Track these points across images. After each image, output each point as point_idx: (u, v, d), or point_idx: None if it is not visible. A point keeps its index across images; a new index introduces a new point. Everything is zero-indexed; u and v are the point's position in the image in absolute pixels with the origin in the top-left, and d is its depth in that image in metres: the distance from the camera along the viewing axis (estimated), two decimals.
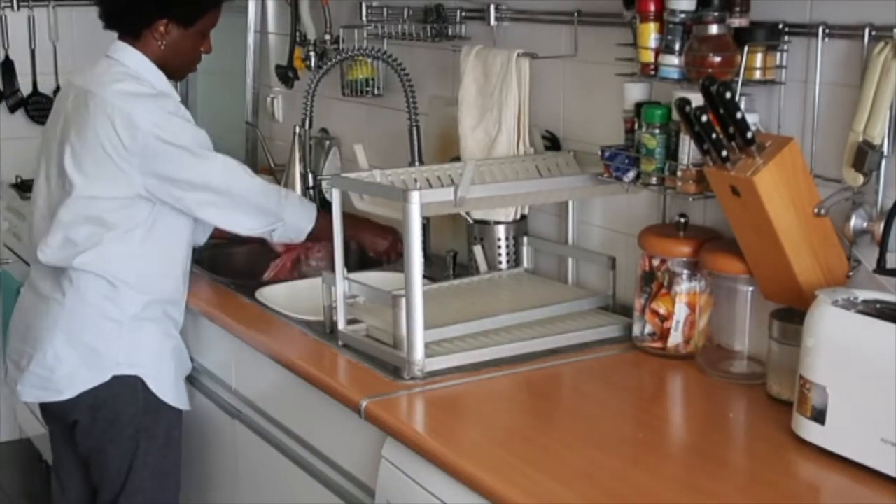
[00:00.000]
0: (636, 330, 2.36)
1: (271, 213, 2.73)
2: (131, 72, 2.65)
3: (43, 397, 2.70)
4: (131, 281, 2.64)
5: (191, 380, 2.91)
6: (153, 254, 2.66)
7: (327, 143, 3.62)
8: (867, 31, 1.98)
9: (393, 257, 3.02)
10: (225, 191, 2.66)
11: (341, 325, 2.44)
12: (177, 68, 2.76)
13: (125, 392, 2.65)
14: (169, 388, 2.70)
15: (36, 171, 2.77)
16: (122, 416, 2.67)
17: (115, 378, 2.63)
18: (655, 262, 2.32)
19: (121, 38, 2.71)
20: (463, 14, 2.97)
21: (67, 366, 2.63)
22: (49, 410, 2.80)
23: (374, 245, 3.03)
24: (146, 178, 2.58)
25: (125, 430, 2.67)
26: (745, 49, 2.10)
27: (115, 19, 2.71)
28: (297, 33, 3.60)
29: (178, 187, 2.61)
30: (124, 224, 2.61)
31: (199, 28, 2.72)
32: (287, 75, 3.65)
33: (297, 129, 3.38)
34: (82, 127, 2.59)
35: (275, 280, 3.00)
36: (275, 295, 2.82)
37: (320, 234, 2.79)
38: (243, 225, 2.73)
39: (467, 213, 2.76)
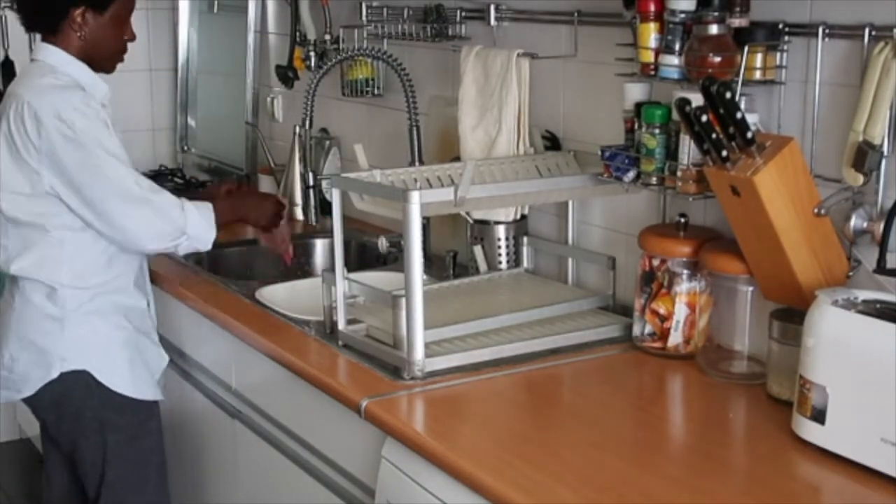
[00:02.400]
0: (636, 330, 2.36)
1: (175, 227, 2.64)
2: (50, 68, 2.64)
3: (7, 397, 2.75)
4: (68, 280, 2.64)
5: (191, 379, 2.92)
6: (89, 251, 2.65)
7: (327, 143, 3.62)
8: (867, 31, 1.98)
9: (277, 223, 2.92)
10: (124, 201, 2.59)
11: (341, 325, 2.44)
12: (102, 58, 2.71)
13: (79, 387, 2.66)
14: (123, 380, 2.69)
15: None
16: (84, 412, 2.68)
17: (64, 374, 2.65)
18: (655, 262, 2.32)
19: (44, 39, 2.70)
20: (463, 14, 2.97)
21: (21, 365, 2.68)
22: (31, 409, 2.82)
23: (259, 217, 2.91)
24: (52, 176, 2.55)
25: (90, 424, 2.69)
26: (745, 49, 2.10)
27: (33, 19, 2.71)
28: (297, 33, 3.60)
29: (76, 190, 2.56)
30: (48, 225, 2.60)
31: (114, 13, 2.68)
32: (287, 75, 3.65)
33: (297, 129, 3.39)
34: (3, 127, 2.58)
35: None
36: (275, 295, 2.82)
37: (222, 221, 2.75)
38: (144, 240, 2.64)
39: (467, 213, 2.76)
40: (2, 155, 2.58)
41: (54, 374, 2.65)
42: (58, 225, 2.61)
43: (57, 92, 2.58)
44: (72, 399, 2.67)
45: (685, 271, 2.27)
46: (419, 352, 2.22)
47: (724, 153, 2.01)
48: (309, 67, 3.54)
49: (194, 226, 2.67)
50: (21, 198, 2.59)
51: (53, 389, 2.66)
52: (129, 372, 2.71)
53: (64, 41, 2.66)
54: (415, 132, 3.07)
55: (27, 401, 2.73)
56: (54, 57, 2.66)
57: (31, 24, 2.73)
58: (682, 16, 2.16)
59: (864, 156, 1.96)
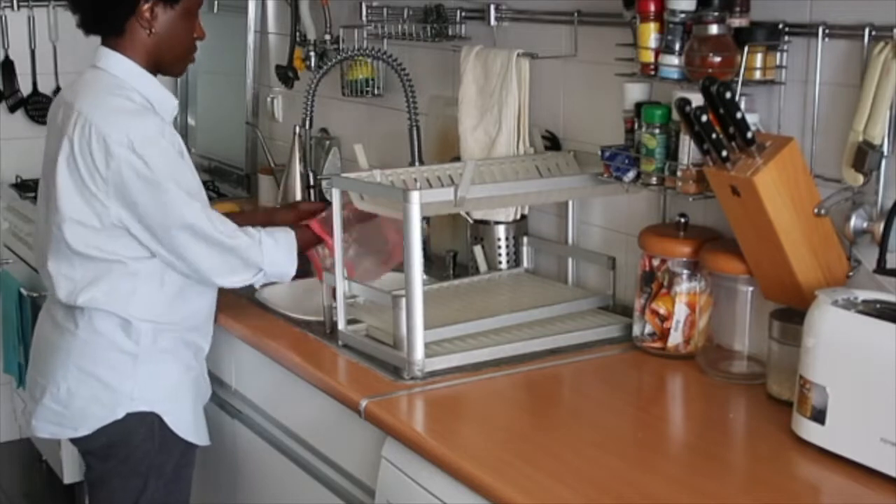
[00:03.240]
0: (636, 330, 2.36)
1: (251, 264, 2.45)
2: (117, 82, 2.42)
3: (58, 433, 2.54)
4: (143, 314, 2.45)
5: None
6: (161, 284, 2.45)
7: (327, 143, 3.62)
8: (867, 31, 1.98)
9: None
10: (198, 242, 2.39)
11: (341, 325, 2.44)
12: (172, 60, 2.49)
13: (141, 429, 2.48)
14: (188, 424, 2.53)
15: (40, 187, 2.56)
16: (136, 454, 2.49)
17: (130, 415, 2.46)
18: (655, 262, 2.32)
19: (104, 41, 2.46)
20: (463, 14, 2.97)
21: (80, 401, 2.46)
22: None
23: None
24: (120, 209, 2.36)
25: (136, 467, 2.50)
26: (745, 49, 2.10)
27: (97, 19, 2.46)
28: (297, 33, 3.60)
29: (146, 226, 2.37)
30: (118, 257, 2.41)
31: (185, 6, 2.46)
32: (287, 75, 3.65)
33: (297, 129, 3.38)
34: (66, 148, 2.36)
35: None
36: (275, 295, 2.82)
37: (307, 246, 2.57)
38: (218, 279, 2.46)
39: (467, 213, 2.76)
40: (63, 180, 2.36)
41: (119, 415, 2.45)
42: (130, 257, 2.41)
43: (129, 118, 2.35)
44: (129, 441, 2.48)
45: (685, 271, 2.27)
46: (419, 352, 2.22)
47: (724, 153, 2.01)
48: (309, 67, 3.54)
49: (271, 262, 2.47)
50: (89, 232, 2.38)
51: (112, 430, 2.46)
52: (193, 416, 2.55)
53: (130, 44, 2.43)
54: (415, 132, 3.07)
55: (76, 439, 2.54)
56: (120, 67, 2.43)
57: (91, 24, 2.47)
58: (682, 16, 2.16)
59: (864, 156, 1.97)
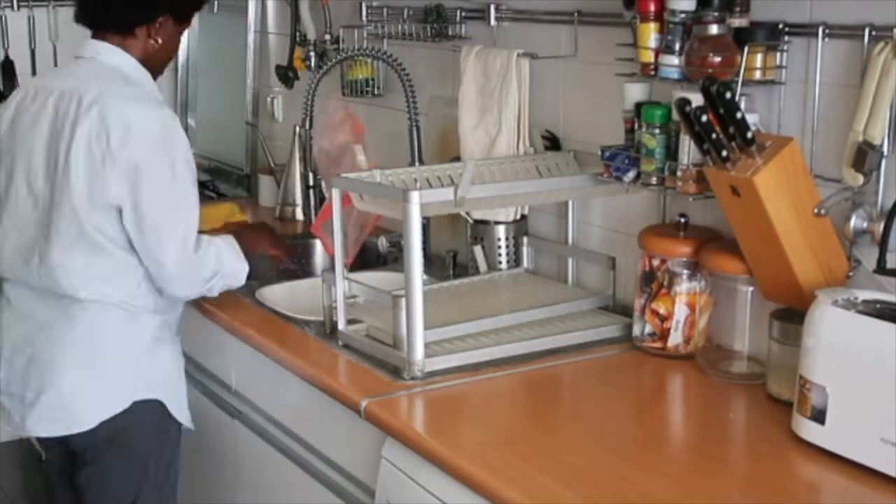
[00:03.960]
0: (636, 330, 2.36)
1: (208, 273, 2.52)
2: (120, 73, 2.51)
3: (60, 430, 2.52)
4: (143, 303, 2.52)
5: (191, 379, 2.91)
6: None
7: None
8: (867, 31, 1.98)
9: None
10: (177, 247, 2.44)
11: (341, 325, 2.45)
12: (162, 64, 2.62)
13: (146, 417, 2.54)
14: (185, 409, 2.63)
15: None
16: (139, 443, 2.56)
17: (136, 404, 2.51)
18: (655, 262, 2.32)
19: (96, 36, 2.56)
20: (463, 14, 2.97)
21: (85, 395, 2.49)
22: (54, 439, 2.58)
23: (275, 243, 2.87)
24: (120, 187, 2.39)
25: (138, 455, 2.56)
26: (745, 49, 2.10)
27: (110, 16, 2.54)
28: (297, 33, 3.60)
29: (138, 211, 2.41)
30: (110, 242, 2.44)
31: (188, 23, 2.64)
32: (287, 75, 3.65)
33: (297, 129, 3.39)
34: (75, 132, 2.40)
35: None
36: (275, 295, 2.82)
37: (250, 248, 2.65)
38: (176, 288, 2.51)
39: (467, 213, 2.76)
40: (80, 163, 2.40)
41: (127, 404, 2.52)
42: (120, 243, 2.47)
43: (149, 105, 2.45)
44: (134, 429, 2.54)
45: (685, 271, 2.27)
46: (419, 352, 2.22)
47: (724, 153, 2.01)
48: (309, 67, 3.54)
49: (227, 262, 2.54)
50: (92, 213, 2.42)
51: (117, 420, 2.53)
52: (186, 401, 2.66)
53: (133, 45, 2.53)
54: (415, 132, 3.07)
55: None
56: (121, 61, 2.52)
57: (99, 21, 2.55)
58: (682, 16, 2.16)
59: (864, 156, 1.97)
